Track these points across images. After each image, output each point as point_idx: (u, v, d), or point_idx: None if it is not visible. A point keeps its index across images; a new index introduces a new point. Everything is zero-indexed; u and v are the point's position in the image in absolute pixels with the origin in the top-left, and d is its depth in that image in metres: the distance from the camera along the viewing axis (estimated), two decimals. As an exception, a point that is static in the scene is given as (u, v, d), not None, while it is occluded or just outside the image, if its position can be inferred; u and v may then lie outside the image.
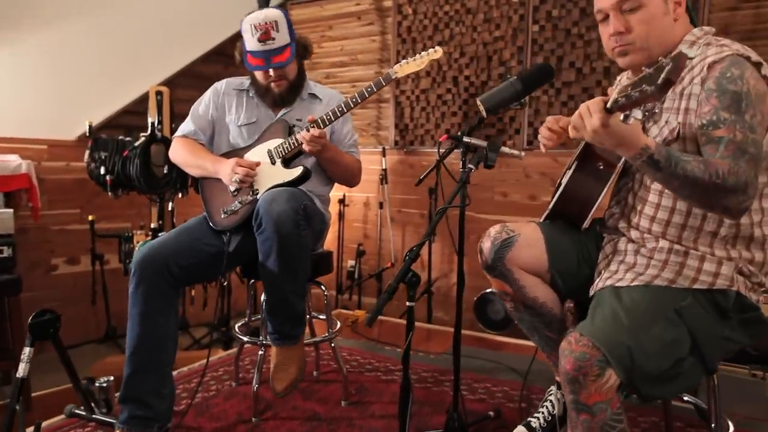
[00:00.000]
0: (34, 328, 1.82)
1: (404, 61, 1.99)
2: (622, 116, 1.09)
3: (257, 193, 1.92)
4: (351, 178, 2.18)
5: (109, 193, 2.65)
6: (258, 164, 1.95)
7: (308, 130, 1.89)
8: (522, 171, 3.46)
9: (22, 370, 1.80)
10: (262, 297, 1.96)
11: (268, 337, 1.98)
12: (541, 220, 1.54)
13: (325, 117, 1.94)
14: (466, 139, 1.52)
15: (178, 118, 2.74)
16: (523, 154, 1.61)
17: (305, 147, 1.92)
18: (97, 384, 2.07)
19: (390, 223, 3.85)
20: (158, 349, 1.79)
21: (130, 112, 3.46)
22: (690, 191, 1.16)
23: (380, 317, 3.55)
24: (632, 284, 1.26)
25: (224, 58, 3.91)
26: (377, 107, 3.91)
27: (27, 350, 1.82)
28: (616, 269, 1.33)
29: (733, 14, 2.87)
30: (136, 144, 2.57)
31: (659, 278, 1.26)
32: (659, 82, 0.97)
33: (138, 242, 2.74)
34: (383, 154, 3.76)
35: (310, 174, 1.94)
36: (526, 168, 3.45)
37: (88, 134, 2.70)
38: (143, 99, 3.48)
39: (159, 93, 2.66)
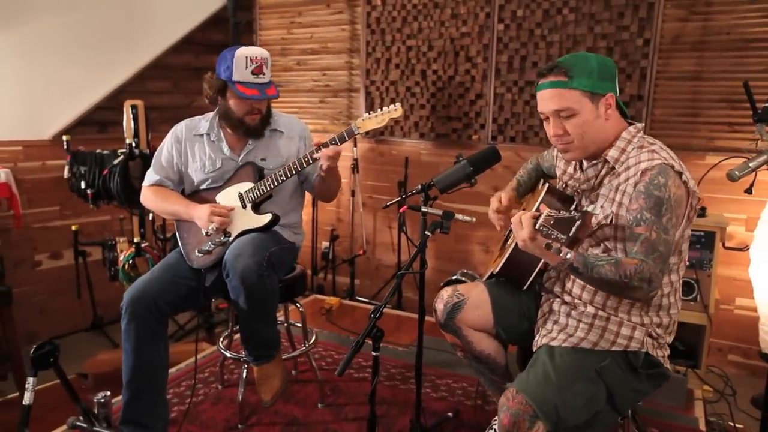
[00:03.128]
0: (37, 360, 1.99)
1: (366, 116, 2.11)
2: (544, 243, 1.30)
3: (229, 236, 2.08)
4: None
5: (91, 205, 2.77)
6: (232, 209, 2.10)
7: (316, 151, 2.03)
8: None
9: (27, 398, 1.99)
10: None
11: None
12: (485, 278, 1.78)
13: (329, 141, 2.06)
14: (424, 209, 1.70)
15: (155, 121, 2.83)
16: (474, 219, 1.81)
17: (325, 164, 2.02)
18: (95, 399, 2.28)
19: (362, 209, 4.04)
20: (151, 376, 2.00)
21: (102, 108, 3.50)
22: (605, 287, 1.42)
23: (352, 304, 3.81)
24: (563, 345, 1.51)
25: (194, 47, 3.92)
26: (348, 96, 4.00)
27: (31, 380, 2.00)
28: (551, 328, 1.58)
29: (683, 25, 3.02)
30: (116, 162, 2.67)
31: (585, 341, 1.51)
32: (570, 235, 1.17)
33: (121, 251, 2.89)
34: (354, 143, 3.88)
35: (279, 220, 2.10)
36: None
37: (66, 148, 2.77)
38: (116, 94, 3.52)
39: (134, 107, 2.73)
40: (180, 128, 2.27)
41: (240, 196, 2.12)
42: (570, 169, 1.70)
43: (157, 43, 3.71)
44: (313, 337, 2.49)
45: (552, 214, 1.22)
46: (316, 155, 2.05)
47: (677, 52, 3.05)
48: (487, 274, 1.89)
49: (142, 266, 2.82)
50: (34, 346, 2.07)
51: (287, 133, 2.27)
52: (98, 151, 2.79)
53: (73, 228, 3.13)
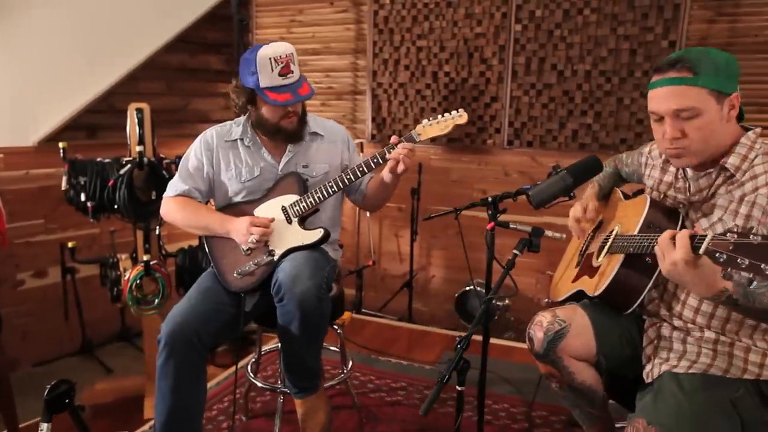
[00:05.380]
0: (50, 403, 1.74)
1: (426, 122, 1.92)
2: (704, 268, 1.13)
3: (274, 254, 1.87)
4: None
5: (91, 219, 2.49)
6: (272, 220, 1.88)
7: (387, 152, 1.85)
8: (502, 169, 3.52)
9: (41, 448, 1.73)
10: (278, 342, 1.96)
11: (286, 386, 1.98)
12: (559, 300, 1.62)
13: (370, 160, 1.88)
14: (512, 225, 1.53)
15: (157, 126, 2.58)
16: (564, 237, 1.66)
17: (402, 166, 1.82)
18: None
19: (368, 217, 3.85)
20: (189, 419, 1.77)
21: (92, 111, 3.21)
22: (761, 317, 1.25)
23: (362, 318, 3.62)
24: (690, 371, 1.35)
25: (189, 46, 3.66)
26: (353, 99, 3.81)
27: (44, 426, 1.75)
28: (667, 356, 1.42)
29: (710, 27, 2.96)
30: (122, 172, 2.40)
31: (714, 367, 1.35)
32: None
33: (124, 269, 2.61)
34: (361, 148, 3.69)
35: (329, 236, 1.90)
36: (505, 166, 3.51)
37: (62, 157, 2.49)
38: (106, 96, 3.23)
39: (139, 111, 2.46)
40: (210, 134, 2.05)
41: (284, 209, 1.91)
42: (668, 178, 1.55)
43: (150, 42, 3.43)
44: (350, 362, 2.29)
45: (728, 238, 1.05)
46: (392, 154, 1.85)
47: (703, 54, 2.98)
48: (562, 297, 1.73)
49: (149, 287, 2.56)
50: (48, 386, 1.81)
51: (328, 138, 2.08)
52: (99, 159, 2.51)
53: (70, 245, 2.83)
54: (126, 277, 2.52)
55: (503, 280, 1.49)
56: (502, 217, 1.62)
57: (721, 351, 1.37)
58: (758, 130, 1.40)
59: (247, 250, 1.88)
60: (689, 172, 1.48)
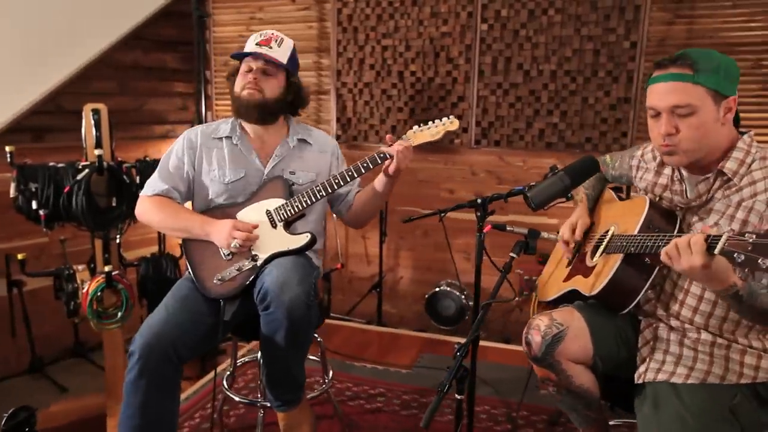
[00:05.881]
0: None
1: (417, 128, 1.87)
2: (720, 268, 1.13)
3: (257, 259, 1.77)
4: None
5: (44, 228, 2.31)
6: (256, 226, 1.79)
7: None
8: (469, 169, 3.52)
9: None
10: (259, 356, 1.86)
11: (267, 400, 1.89)
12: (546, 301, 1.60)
13: (360, 165, 1.82)
14: (509, 228, 1.50)
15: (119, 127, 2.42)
16: (555, 236, 1.64)
17: (393, 166, 1.77)
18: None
19: (335, 219, 3.77)
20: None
21: (38, 112, 2.99)
22: (758, 318, 1.27)
23: (332, 323, 3.53)
24: (688, 382, 1.36)
25: (143, 43, 3.47)
26: (317, 99, 3.71)
27: (5, 457, 1.60)
28: (662, 359, 1.42)
29: (669, 28, 3.04)
30: (79, 177, 2.23)
31: (711, 375, 1.36)
32: None
33: (82, 281, 2.44)
34: (326, 149, 3.60)
35: (316, 241, 1.82)
36: (473, 166, 3.51)
37: (9, 162, 2.29)
38: (53, 96, 3.02)
39: (95, 112, 2.30)
40: (194, 132, 1.94)
41: (268, 213, 1.81)
42: (663, 181, 1.55)
43: (101, 38, 3.23)
44: (330, 372, 2.21)
45: (746, 238, 1.04)
46: (388, 150, 1.79)
47: (663, 54, 3.05)
48: (552, 297, 1.72)
49: (110, 299, 2.40)
50: (5, 415, 1.66)
51: (317, 147, 2.01)
52: (51, 164, 2.33)
53: (20, 257, 2.62)
54: (85, 290, 2.36)
55: (501, 283, 1.46)
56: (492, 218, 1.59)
57: (718, 354, 1.38)
58: (752, 133, 1.42)
59: (229, 254, 1.78)
60: (686, 174, 1.49)
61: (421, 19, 3.40)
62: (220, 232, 1.77)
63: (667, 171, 1.54)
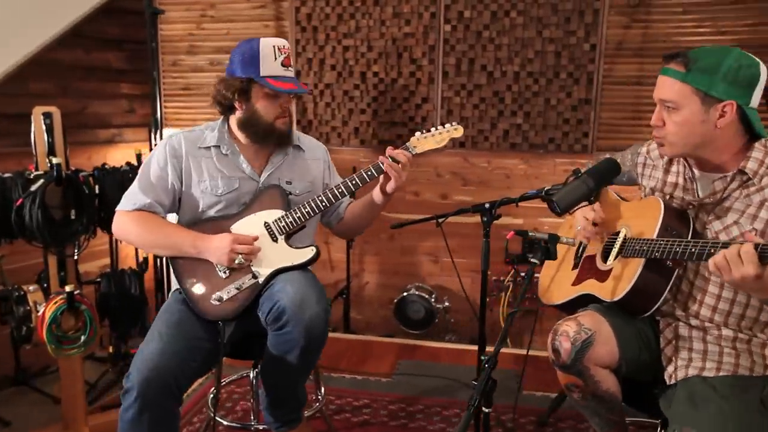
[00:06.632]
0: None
1: (420, 134, 1.82)
2: None
3: (258, 276, 1.65)
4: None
5: (-10, 246, 2.06)
6: (256, 238, 1.66)
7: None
8: (434, 170, 3.50)
9: None
10: (252, 375, 1.74)
11: (264, 422, 1.77)
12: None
13: (364, 173, 1.75)
14: (531, 233, 1.47)
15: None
16: (575, 241, 1.63)
17: (393, 181, 1.71)
18: None
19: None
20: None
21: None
22: None
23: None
24: (720, 374, 1.37)
25: (85, 41, 3.20)
26: (275, 101, 3.56)
27: None
28: (688, 356, 1.43)
29: (626, 32, 3.15)
30: (33, 189, 2.00)
31: (741, 367, 1.38)
32: None
33: (35, 302, 2.20)
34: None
35: (320, 255, 1.72)
36: (437, 167, 3.49)
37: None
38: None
39: (47, 115, 2.07)
40: (177, 139, 1.77)
41: (267, 225, 1.68)
42: (672, 179, 1.56)
43: (36, 36, 2.94)
44: (322, 388, 2.11)
45: None
46: (386, 162, 1.72)
47: (621, 57, 3.17)
48: (560, 301, 1.70)
49: (68, 322, 2.17)
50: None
51: (310, 154, 1.91)
52: (-2, 174, 2.08)
53: (-40, 279, 2.33)
54: (40, 313, 2.12)
55: (526, 290, 1.42)
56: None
57: (741, 348, 1.41)
58: (763, 140, 1.44)
59: (226, 272, 1.64)
60: (697, 173, 1.51)
61: (383, 20, 3.34)
62: (219, 249, 1.63)
63: (676, 169, 1.57)
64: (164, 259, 2.93)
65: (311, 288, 1.58)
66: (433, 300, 3.39)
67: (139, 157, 2.67)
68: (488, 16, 3.23)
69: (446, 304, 3.45)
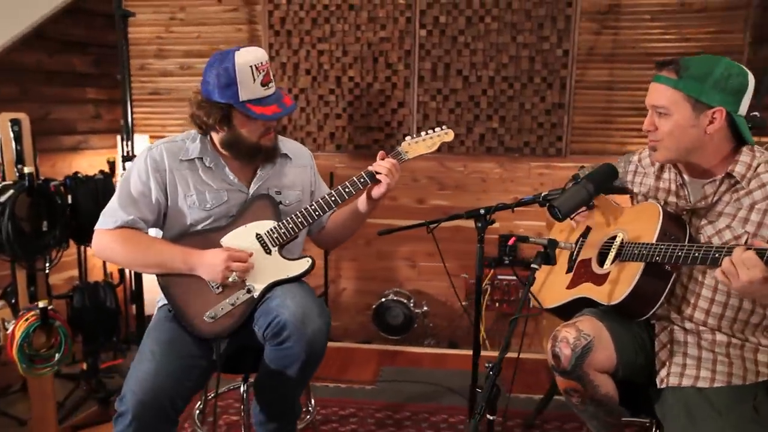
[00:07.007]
0: None
1: (410, 138, 1.79)
2: None
3: (253, 291, 1.59)
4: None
5: (-48, 262, 1.94)
6: (251, 254, 1.61)
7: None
8: (410, 175, 3.49)
9: None
10: (242, 389, 1.69)
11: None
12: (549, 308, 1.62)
13: (357, 180, 1.72)
14: (531, 239, 1.47)
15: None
16: (573, 245, 1.64)
17: (383, 186, 1.68)
18: None
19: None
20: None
21: None
22: None
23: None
24: (714, 385, 1.40)
25: (47, 43, 3.06)
26: (248, 106, 3.49)
27: None
28: (682, 362, 1.45)
29: (597, 38, 3.22)
30: (3, 200, 1.89)
31: (734, 376, 1.41)
32: None
33: (2, 319, 2.08)
34: (261, 159, 3.41)
35: (314, 266, 1.68)
36: (414, 172, 3.48)
37: None
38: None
39: (15, 122, 1.96)
40: (158, 151, 1.67)
41: (259, 237, 1.63)
42: (664, 185, 1.59)
43: (-3, 36, 2.80)
44: (312, 400, 2.07)
45: None
46: (379, 169, 1.70)
47: (592, 62, 3.24)
48: (555, 305, 1.71)
49: (39, 339, 2.06)
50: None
51: (296, 161, 1.85)
52: (-38, 184, 1.96)
53: None
54: (9, 330, 2.01)
55: (526, 296, 1.42)
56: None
57: (734, 355, 1.44)
58: (753, 147, 1.48)
59: (218, 287, 1.58)
60: (687, 179, 1.54)
61: (359, 24, 3.32)
62: (212, 266, 1.56)
63: (668, 176, 1.60)
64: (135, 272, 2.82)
65: (312, 302, 1.54)
66: (411, 305, 3.37)
67: (112, 164, 2.56)
68: (463, 21, 3.25)
69: (425, 308, 3.45)
